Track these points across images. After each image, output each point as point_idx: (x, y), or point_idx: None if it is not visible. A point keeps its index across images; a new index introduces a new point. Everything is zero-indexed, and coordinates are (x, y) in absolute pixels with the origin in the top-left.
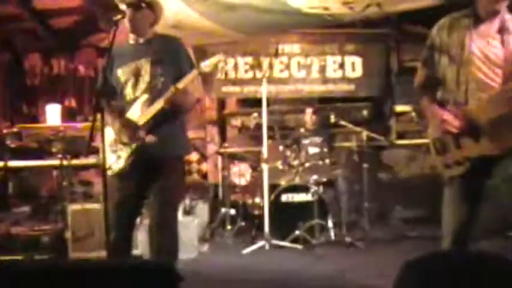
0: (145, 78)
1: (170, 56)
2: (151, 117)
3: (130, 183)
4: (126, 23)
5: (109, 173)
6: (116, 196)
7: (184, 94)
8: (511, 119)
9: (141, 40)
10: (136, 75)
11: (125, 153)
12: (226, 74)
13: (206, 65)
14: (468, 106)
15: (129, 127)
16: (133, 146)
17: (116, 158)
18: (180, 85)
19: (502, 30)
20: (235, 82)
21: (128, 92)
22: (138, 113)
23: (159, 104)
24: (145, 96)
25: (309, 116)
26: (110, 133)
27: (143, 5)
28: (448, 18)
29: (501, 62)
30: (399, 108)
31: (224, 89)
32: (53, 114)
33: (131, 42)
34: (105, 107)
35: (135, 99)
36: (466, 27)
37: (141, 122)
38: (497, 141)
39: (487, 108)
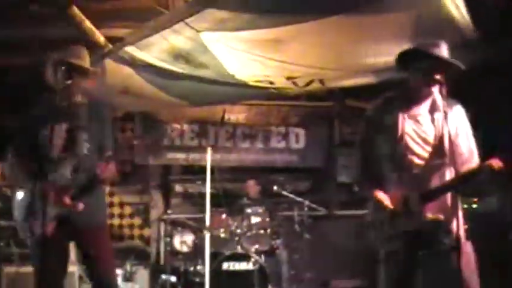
0: (70, 142)
1: (96, 122)
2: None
3: (53, 250)
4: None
5: (30, 238)
6: (40, 263)
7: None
8: (439, 193)
9: (70, 102)
10: (62, 137)
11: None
12: (172, 140)
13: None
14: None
15: (59, 192)
16: (60, 211)
17: (37, 224)
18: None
19: (432, 109)
20: (180, 149)
21: (51, 153)
22: (65, 177)
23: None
24: (70, 161)
25: (252, 185)
26: (22, 196)
27: (85, 72)
28: (381, 99)
29: (431, 140)
30: (341, 179)
31: (169, 155)
32: None
33: (60, 102)
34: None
35: (58, 162)
36: (399, 108)
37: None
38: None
39: (416, 185)
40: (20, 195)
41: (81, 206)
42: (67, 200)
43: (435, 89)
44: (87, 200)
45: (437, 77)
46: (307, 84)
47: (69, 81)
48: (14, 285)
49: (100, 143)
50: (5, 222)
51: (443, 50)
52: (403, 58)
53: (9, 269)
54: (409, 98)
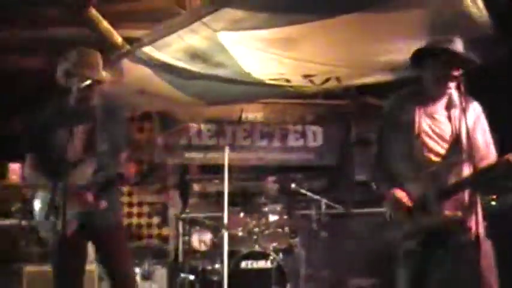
0: (89, 143)
1: (112, 123)
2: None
3: (73, 250)
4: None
5: (51, 237)
6: (59, 262)
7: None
8: (457, 190)
9: (86, 104)
10: (80, 139)
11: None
12: (189, 139)
13: None
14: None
15: (80, 192)
16: (81, 210)
17: (59, 223)
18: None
19: (449, 106)
20: (198, 148)
21: (70, 155)
22: (85, 178)
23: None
24: (89, 161)
25: (270, 183)
26: (43, 196)
27: (97, 82)
28: (397, 96)
29: (448, 137)
30: (358, 177)
31: (187, 154)
32: (14, 173)
33: (75, 105)
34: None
35: (77, 163)
36: (415, 105)
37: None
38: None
39: (434, 182)
40: (40, 195)
41: (103, 204)
42: (90, 198)
43: (452, 86)
44: (105, 200)
45: (454, 73)
46: (324, 82)
47: (83, 85)
48: (34, 285)
49: (115, 143)
50: (25, 222)
51: (459, 46)
52: (419, 56)
53: (30, 268)
54: (425, 95)
